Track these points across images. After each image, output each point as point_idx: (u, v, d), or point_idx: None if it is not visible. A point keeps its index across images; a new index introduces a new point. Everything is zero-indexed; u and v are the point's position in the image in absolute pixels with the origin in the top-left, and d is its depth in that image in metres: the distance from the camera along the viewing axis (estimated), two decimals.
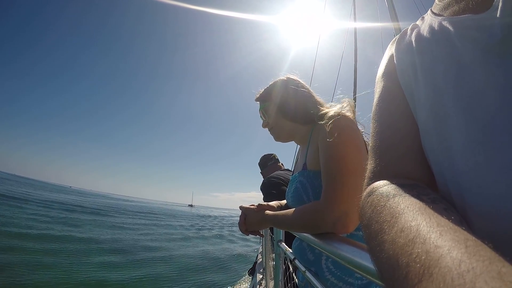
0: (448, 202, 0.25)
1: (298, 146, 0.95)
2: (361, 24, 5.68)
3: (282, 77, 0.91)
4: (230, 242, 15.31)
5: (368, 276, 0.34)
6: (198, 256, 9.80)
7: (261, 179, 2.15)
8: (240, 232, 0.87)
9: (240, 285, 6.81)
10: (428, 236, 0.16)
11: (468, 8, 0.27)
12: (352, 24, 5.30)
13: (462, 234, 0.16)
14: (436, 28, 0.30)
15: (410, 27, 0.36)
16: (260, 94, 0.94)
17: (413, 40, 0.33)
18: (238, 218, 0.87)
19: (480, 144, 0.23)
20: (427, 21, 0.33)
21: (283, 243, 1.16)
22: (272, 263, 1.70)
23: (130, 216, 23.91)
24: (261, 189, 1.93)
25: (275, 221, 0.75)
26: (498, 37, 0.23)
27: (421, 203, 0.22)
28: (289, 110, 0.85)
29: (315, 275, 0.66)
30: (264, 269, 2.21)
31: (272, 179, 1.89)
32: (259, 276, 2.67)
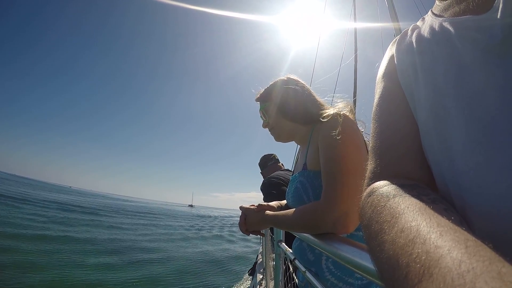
0: (448, 202, 0.25)
1: (298, 146, 0.95)
2: (361, 24, 5.68)
3: (282, 77, 0.91)
4: (230, 242, 15.26)
5: (368, 276, 0.34)
6: (197, 257, 9.69)
7: (261, 179, 2.15)
8: (241, 233, 0.87)
9: (240, 286, 6.77)
10: (428, 236, 0.16)
11: (469, 9, 0.27)
12: (352, 24, 5.30)
13: (462, 234, 0.16)
14: (436, 29, 0.30)
15: (410, 28, 0.36)
16: (260, 94, 0.94)
17: (413, 41, 0.33)
18: (238, 219, 0.87)
19: (480, 144, 0.23)
20: (428, 22, 0.33)
21: (283, 243, 1.16)
22: (272, 263, 1.70)
23: (129, 217, 23.81)
24: (261, 189, 1.93)
25: (275, 221, 0.75)
26: (499, 38, 0.23)
27: (421, 203, 0.22)
28: (289, 110, 0.85)
29: (315, 275, 0.66)
30: (264, 269, 2.21)
31: (272, 179, 1.88)
32: (259, 276, 2.66)
